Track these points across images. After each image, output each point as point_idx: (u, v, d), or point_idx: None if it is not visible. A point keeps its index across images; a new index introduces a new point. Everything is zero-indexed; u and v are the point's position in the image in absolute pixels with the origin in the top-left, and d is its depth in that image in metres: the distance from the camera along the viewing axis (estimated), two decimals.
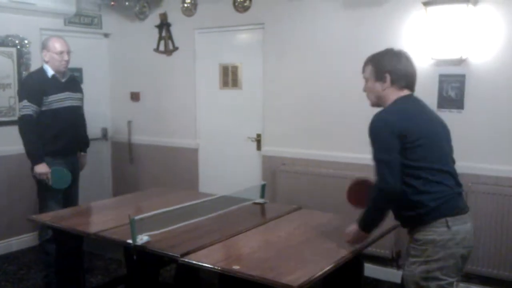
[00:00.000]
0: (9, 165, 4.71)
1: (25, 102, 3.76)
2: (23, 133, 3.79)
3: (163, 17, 5.20)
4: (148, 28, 5.32)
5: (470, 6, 3.43)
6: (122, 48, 5.55)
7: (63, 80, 3.95)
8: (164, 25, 5.21)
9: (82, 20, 5.31)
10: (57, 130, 3.86)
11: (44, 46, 3.94)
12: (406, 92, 2.40)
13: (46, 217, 3.33)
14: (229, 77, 4.89)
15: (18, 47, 4.76)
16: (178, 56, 5.19)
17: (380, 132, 2.26)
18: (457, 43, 3.51)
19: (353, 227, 2.44)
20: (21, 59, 4.78)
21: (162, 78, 5.32)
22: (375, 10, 3.93)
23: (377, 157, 2.26)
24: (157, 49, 5.30)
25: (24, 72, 4.79)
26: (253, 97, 4.73)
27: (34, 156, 3.78)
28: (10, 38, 4.69)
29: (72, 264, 3.42)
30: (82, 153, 4.18)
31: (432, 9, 3.53)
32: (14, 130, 4.70)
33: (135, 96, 5.55)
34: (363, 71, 2.49)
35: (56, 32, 5.05)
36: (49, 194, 3.85)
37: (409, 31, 3.79)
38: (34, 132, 3.76)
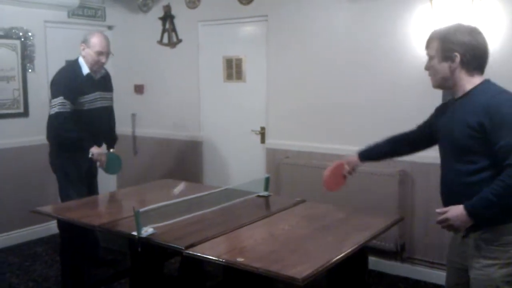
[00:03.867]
0: (13, 157, 4.73)
1: (61, 99, 3.66)
2: (63, 130, 3.70)
3: (167, 9, 5.18)
4: (151, 20, 5.31)
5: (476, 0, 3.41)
6: (125, 40, 5.55)
7: (96, 78, 3.89)
8: (167, 17, 5.19)
9: (85, 12, 5.30)
10: (84, 131, 3.79)
11: (84, 40, 3.80)
12: (477, 75, 2.16)
13: (51, 209, 3.35)
14: (233, 69, 4.88)
15: (22, 39, 4.76)
16: (181, 49, 5.17)
17: None
18: None
19: (458, 213, 2.06)
20: (25, 52, 4.79)
21: (165, 70, 5.31)
22: (380, 2, 3.90)
23: None
24: (160, 42, 5.29)
25: (28, 65, 4.80)
26: (257, 90, 4.72)
27: (83, 142, 3.75)
28: (14, 31, 4.69)
29: (77, 256, 3.44)
30: (111, 150, 4.09)
31: (438, 2, 3.51)
32: (19, 123, 4.75)
33: (138, 89, 5.54)
34: (427, 46, 2.23)
35: (59, 25, 5.07)
36: (70, 185, 3.84)
37: (414, 24, 3.76)
38: (71, 124, 3.70)
